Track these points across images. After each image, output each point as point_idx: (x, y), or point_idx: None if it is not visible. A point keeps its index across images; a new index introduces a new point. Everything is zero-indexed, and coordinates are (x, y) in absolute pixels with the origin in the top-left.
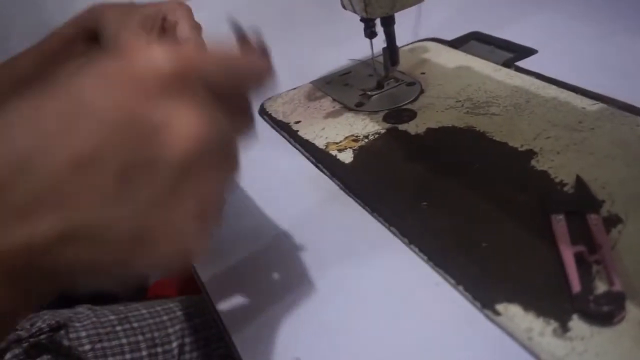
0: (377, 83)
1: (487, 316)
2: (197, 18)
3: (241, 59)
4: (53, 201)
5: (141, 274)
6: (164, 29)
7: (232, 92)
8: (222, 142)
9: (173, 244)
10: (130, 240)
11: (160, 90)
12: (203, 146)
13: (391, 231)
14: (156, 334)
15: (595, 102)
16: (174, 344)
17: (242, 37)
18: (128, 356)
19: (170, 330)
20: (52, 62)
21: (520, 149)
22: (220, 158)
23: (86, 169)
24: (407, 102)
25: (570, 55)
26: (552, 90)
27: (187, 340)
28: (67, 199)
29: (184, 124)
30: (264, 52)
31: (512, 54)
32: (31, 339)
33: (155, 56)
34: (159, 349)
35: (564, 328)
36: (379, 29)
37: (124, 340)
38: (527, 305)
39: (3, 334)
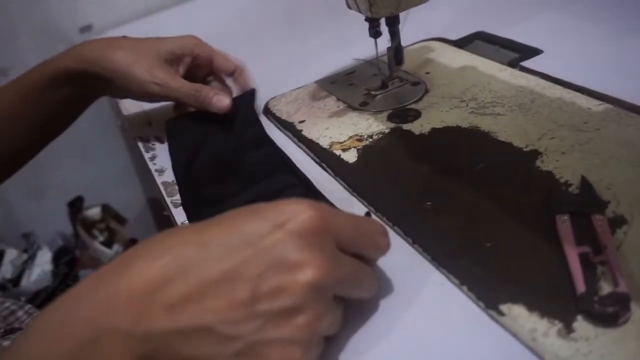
0: (381, 83)
1: (491, 316)
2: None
3: (367, 228)
4: (196, 301)
5: None
6: (195, 64)
7: (354, 250)
8: (338, 287)
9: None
10: (247, 348)
11: (303, 239)
12: (320, 287)
13: (395, 231)
14: None
15: (601, 102)
16: None
17: (366, 215)
18: None
19: None
20: (31, 97)
21: (525, 149)
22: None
23: (230, 281)
24: (411, 101)
25: (576, 56)
26: (557, 91)
27: None
28: (208, 302)
29: (311, 267)
30: (383, 233)
31: (517, 54)
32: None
33: (305, 212)
34: None
35: (568, 329)
36: (384, 28)
37: None
38: (531, 306)
39: None
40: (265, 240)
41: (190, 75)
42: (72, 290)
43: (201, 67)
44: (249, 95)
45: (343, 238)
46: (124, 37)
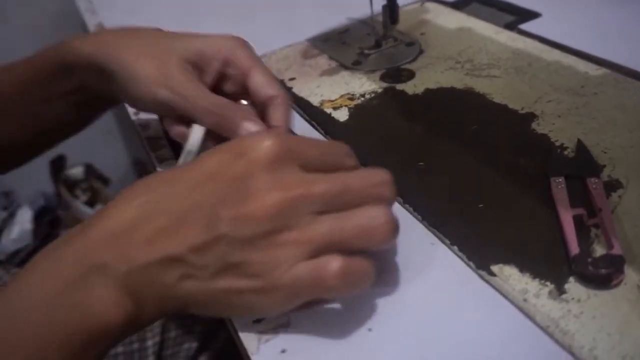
0: (375, 42)
1: (481, 277)
2: None
3: (331, 149)
4: (169, 233)
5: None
6: (224, 74)
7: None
8: (316, 205)
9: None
10: (221, 269)
11: (265, 165)
12: (290, 206)
13: None
14: None
15: (598, 67)
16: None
17: None
18: None
19: None
20: (40, 78)
21: (520, 112)
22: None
23: (198, 212)
24: (405, 61)
25: (575, 20)
26: (555, 54)
27: None
28: (180, 233)
29: (275, 190)
30: (348, 154)
31: (515, 16)
32: None
33: (265, 140)
34: None
35: (560, 290)
36: None
37: None
38: (523, 267)
39: (117, 342)
40: (228, 171)
41: (218, 89)
42: (62, 236)
43: (232, 80)
44: None
45: (307, 161)
46: (157, 29)
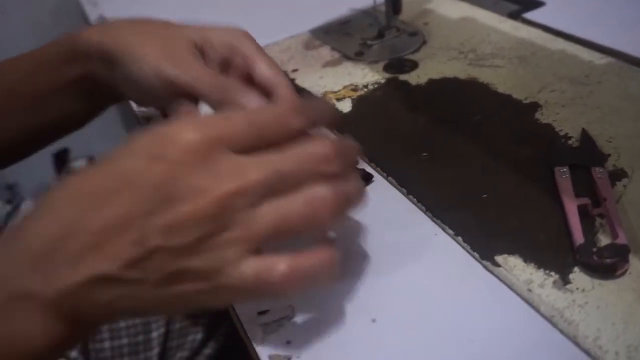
0: (378, 32)
1: (486, 267)
2: None
3: (267, 117)
4: (95, 250)
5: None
6: (228, 62)
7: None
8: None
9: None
10: (161, 282)
11: (187, 165)
12: (228, 204)
13: (389, 181)
14: None
15: (603, 55)
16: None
17: None
18: (123, 324)
19: None
20: (45, 69)
21: (524, 102)
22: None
23: (122, 225)
24: (408, 52)
25: (579, 8)
26: (558, 43)
27: None
28: (105, 249)
29: (202, 192)
30: (294, 111)
31: (518, 5)
32: None
33: (181, 134)
34: None
35: (564, 280)
36: None
37: None
38: (528, 257)
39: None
40: (146, 178)
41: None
42: None
43: (236, 69)
44: None
45: (239, 141)
46: (166, 22)
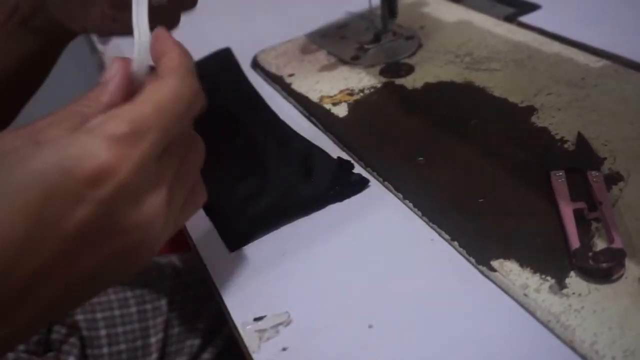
0: (374, 36)
1: (482, 272)
2: None
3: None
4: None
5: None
6: None
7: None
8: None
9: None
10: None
11: (116, 198)
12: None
13: (385, 186)
14: (145, 291)
15: (599, 58)
16: (163, 301)
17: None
18: (117, 312)
19: (160, 287)
20: None
21: (520, 105)
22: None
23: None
24: (404, 56)
25: (575, 11)
26: (555, 47)
27: (176, 297)
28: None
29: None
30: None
31: (514, 8)
32: None
33: (102, 157)
34: (148, 306)
35: (560, 285)
36: None
37: (112, 297)
38: (524, 262)
39: None
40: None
41: None
42: None
43: None
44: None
45: (164, 142)
46: None
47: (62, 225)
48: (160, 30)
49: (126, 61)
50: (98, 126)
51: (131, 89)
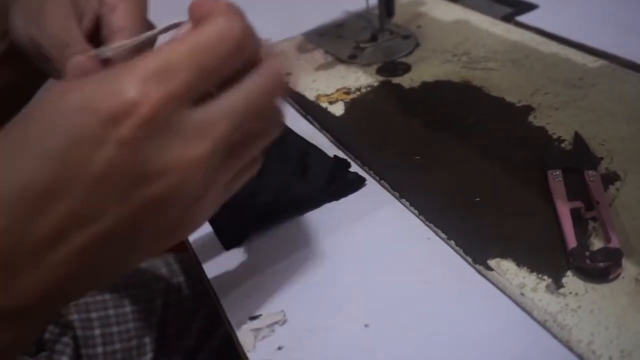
0: (371, 35)
1: (478, 271)
2: None
3: (215, 52)
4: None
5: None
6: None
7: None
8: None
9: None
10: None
11: (140, 149)
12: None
13: (382, 185)
14: (140, 290)
15: (596, 58)
16: (158, 301)
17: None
18: (111, 311)
19: (155, 287)
20: None
21: (517, 105)
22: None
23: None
24: (402, 55)
25: (572, 11)
26: (552, 46)
27: (171, 297)
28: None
29: (169, 178)
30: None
31: (511, 8)
32: None
33: (125, 95)
34: (143, 306)
35: (557, 284)
36: None
37: (107, 296)
38: (520, 261)
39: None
40: (97, 167)
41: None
42: None
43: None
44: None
45: (196, 90)
46: None
47: (87, 169)
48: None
49: None
50: (127, 66)
51: None
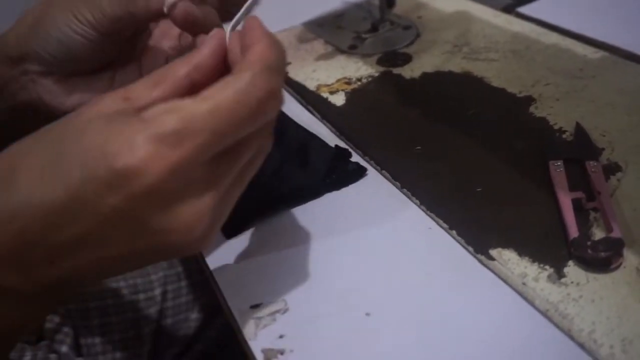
0: (371, 25)
1: (480, 261)
2: None
3: (240, 109)
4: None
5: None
6: None
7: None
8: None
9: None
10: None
11: (144, 200)
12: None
13: (383, 175)
14: (139, 281)
15: (597, 50)
16: (157, 291)
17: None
18: (110, 301)
19: (153, 277)
20: None
21: (518, 95)
22: None
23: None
24: (402, 45)
25: (573, 2)
26: (553, 38)
27: (169, 287)
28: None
29: (180, 232)
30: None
31: None
32: None
33: (138, 152)
34: (141, 296)
35: (559, 274)
36: None
37: (106, 286)
38: (522, 251)
39: (12, 345)
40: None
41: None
42: None
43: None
44: None
45: (211, 152)
46: None
47: (97, 206)
48: (252, 20)
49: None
50: (152, 118)
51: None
